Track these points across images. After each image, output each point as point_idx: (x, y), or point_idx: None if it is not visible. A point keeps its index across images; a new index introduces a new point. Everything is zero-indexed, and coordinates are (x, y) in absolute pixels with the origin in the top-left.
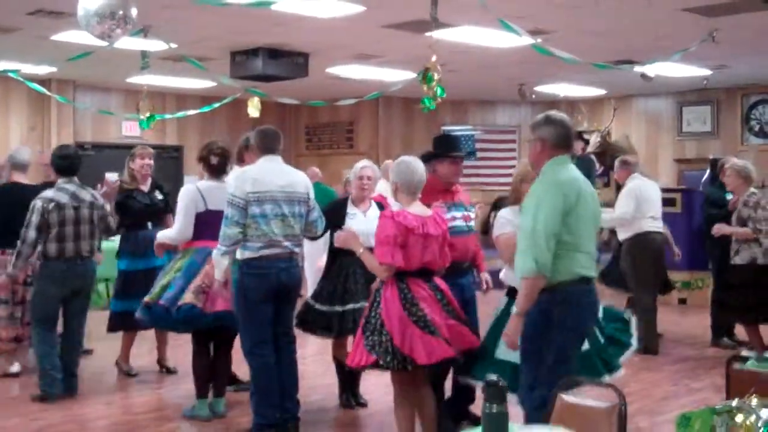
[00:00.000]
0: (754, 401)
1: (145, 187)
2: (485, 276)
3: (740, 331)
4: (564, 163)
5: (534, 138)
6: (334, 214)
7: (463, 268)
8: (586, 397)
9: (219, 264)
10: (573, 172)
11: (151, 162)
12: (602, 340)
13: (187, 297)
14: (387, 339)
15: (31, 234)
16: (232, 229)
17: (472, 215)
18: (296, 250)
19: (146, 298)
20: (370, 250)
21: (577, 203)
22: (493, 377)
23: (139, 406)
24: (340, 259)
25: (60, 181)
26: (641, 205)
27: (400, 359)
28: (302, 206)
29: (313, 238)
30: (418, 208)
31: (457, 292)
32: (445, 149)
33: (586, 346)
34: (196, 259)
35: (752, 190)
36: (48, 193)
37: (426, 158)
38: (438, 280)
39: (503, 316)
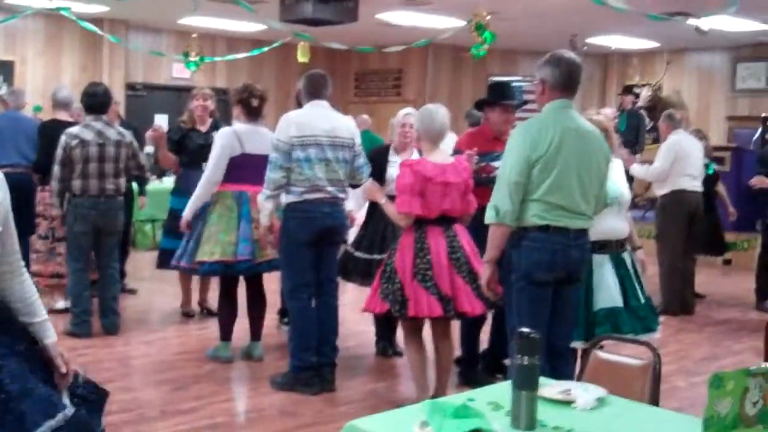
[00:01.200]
0: None
1: (204, 128)
2: None
3: None
4: (563, 107)
5: (536, 79)
6: (376, 162)
7: None
8: (621, 354)
9: (263, 208)
10: (566, 118)
11: (207, 103)
12: (642, 300)
13: (269, 252)
14: (398, 288)
15: (56, 169)
16: (276, 173)
17: None
18: (341, 195)
19: (218, 257)
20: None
21: (555, 153)
22: (525, 330)
23: (178, 346)
24: (379, 208)
25: (87, 118)
26: (679, 161)
27: (407, 308)
28: (347, 152)
29: (357, 185)
30: (439, 156)
31: None
32: (497, 97)
33: (618, 302)
34: (241, 206)
35: None
36: (74, 129)
37: (479, 105)
38: (458, 228)
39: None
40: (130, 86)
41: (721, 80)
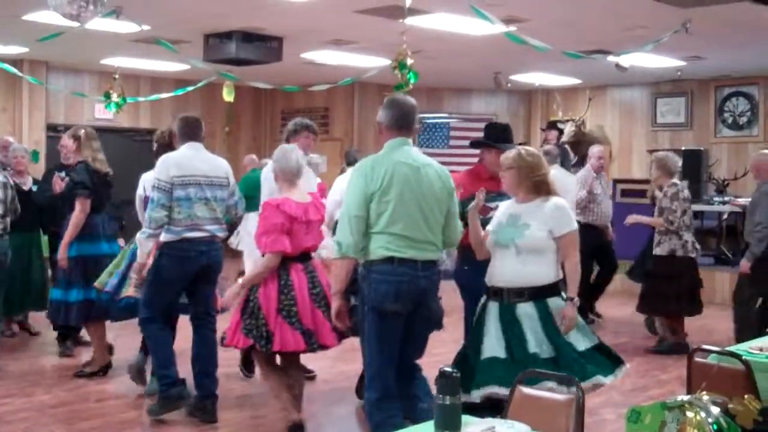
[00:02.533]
0: (705, 397)
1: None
2: None
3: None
4: (399, 145)
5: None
6: None
7: None
8: (544, 389)
9: (144, 246)
10: (400, 154)
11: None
12: (579, 349)
13: (131, 291)
14: (262, 323)
15: None
16: (158, 212)
17: None
18: (219, 234)
19: (96, 284)
20: None
21: (388, 186)
22: (447, 369)
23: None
24: None
25: None
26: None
27: (272, 343)
28: (223, 190)
29: (234, 224)
30: (298, 195)
31: None
32: (494, 140)
33: (498, 353)
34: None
35: (674, 181)
36: None
37: (475, 145)
38: (316, 263)
39: (479, 316)
40: (52, 127)
41: (642, 115)
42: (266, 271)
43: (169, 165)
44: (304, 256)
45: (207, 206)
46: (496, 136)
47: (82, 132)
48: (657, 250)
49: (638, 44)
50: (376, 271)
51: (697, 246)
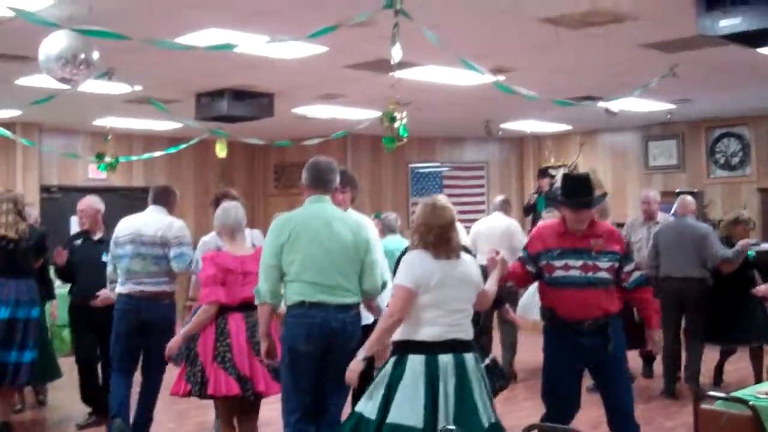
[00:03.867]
0: None
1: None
2: None
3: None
4: (315, 201)
5: None
6: None
7: None
8: None
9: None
10: (315, 209)
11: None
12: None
13: None
14: (199, 369)
15: None
16: (108, 268)
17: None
18: (162, 288)
19: None
20: None
21: (296, 238)
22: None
23: None
24: None
25: None
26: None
27: (207, 387)
28: (158, 248)
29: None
30: (238, 248)
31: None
32: (574, 196)
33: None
34: None
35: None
36: None
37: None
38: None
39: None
40: (45, 189)
41: (635, 159)
42: (203, 321)
43: (118, 226)
44: (245, 306)
45: (144, 261)
46: (577, 191)
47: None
48: None
49: (627, 89)
50: (291, 314)
51: None
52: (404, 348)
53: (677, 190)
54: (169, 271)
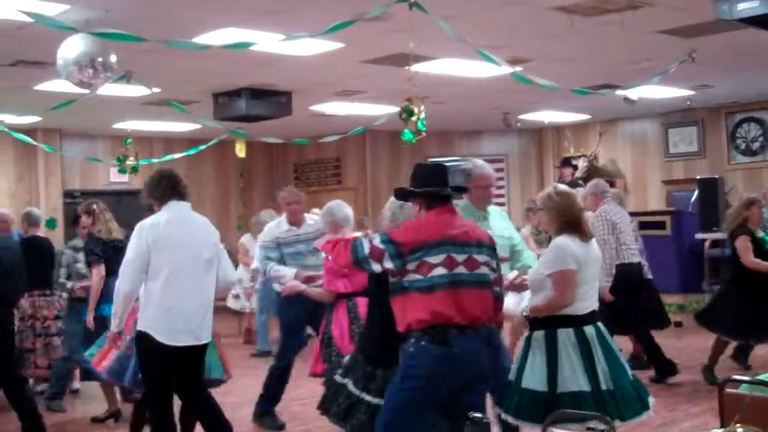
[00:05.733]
0: (740, 429)
1: None
2: None
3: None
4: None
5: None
6: None
7: None
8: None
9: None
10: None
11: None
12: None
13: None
14: (335, 351)
15: None
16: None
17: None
18: None
19: None
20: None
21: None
22: (477, 414)
23: None
24: None
25: None
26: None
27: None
28: None
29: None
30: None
31: None
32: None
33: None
34: None
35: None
36: None
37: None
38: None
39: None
40: (68, 193)
41: (655, 146)
42: (322, 299)
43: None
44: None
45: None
46: None
47: (94, 206)
48: None
49: (645, 77)
50: None
51: None
52: (553, 323)
53: (698, 177)
54: None
